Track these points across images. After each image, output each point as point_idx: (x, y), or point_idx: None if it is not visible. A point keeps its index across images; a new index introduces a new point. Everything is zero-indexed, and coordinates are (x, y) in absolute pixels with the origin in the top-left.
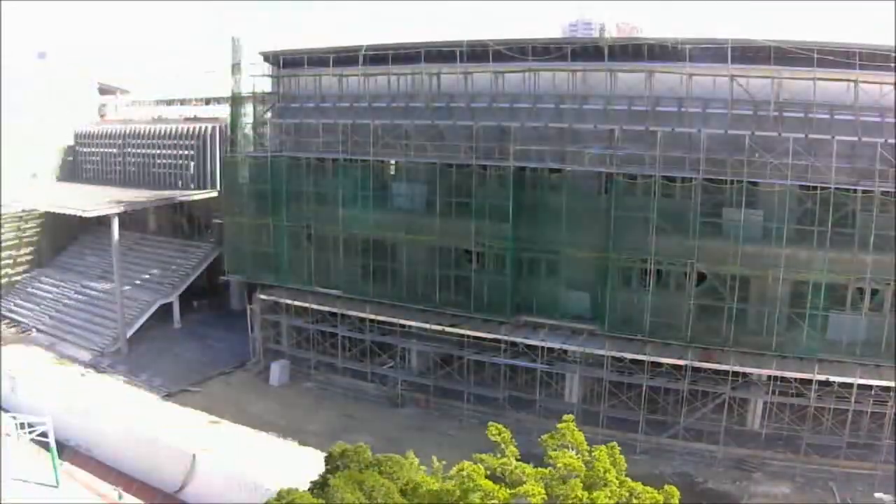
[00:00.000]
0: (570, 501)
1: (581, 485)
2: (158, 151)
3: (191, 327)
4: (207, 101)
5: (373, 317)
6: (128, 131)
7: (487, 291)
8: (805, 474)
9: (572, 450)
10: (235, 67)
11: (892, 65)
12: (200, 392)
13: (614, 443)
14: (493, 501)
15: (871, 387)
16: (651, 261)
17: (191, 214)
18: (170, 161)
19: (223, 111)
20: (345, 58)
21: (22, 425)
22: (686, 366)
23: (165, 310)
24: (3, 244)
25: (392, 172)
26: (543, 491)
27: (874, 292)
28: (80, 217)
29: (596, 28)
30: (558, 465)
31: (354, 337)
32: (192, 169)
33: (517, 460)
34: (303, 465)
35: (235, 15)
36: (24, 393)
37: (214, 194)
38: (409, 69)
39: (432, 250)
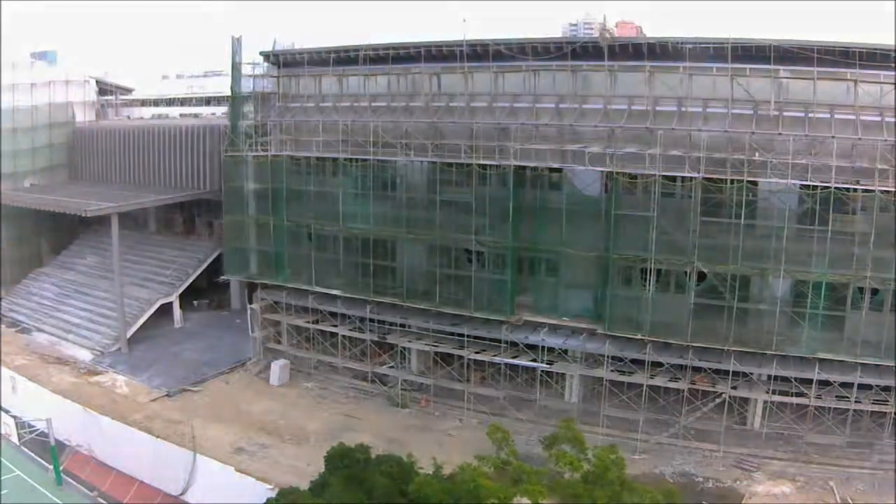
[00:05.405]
0: (570, 501)
1: (581, 484)
2: (158, 151)
3: (191, 327)
4: (207, 101)
5: (373, 317)
6: (128, 130)
7: (487, 291)
8: (805, 474)
9: (572, 449)
10: (235, 67)
11: (892, 65)
12: (200, 392)
13: (615, 445)
14: (493, 501)
15: (871, 387)
16: (651, 260)
17: (191, 214)
18: (170, 160)
19: (223, 111)
20: (345, 58)
21: (22, 425)
22: (686, 365)
23: (166, 309)
24: (4, 243)
25: (392, 172)
26: (544, 490)
27: (874, 292)
28: (81, 216)
29: (596, 28)
30: (559, 464)
31: (354, 337)
32: (191, 168)
33: (517, 460)
34: None
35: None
36: (25, 393)
37: (214, 194)
38: (410, 69)
39: (432, 250)
